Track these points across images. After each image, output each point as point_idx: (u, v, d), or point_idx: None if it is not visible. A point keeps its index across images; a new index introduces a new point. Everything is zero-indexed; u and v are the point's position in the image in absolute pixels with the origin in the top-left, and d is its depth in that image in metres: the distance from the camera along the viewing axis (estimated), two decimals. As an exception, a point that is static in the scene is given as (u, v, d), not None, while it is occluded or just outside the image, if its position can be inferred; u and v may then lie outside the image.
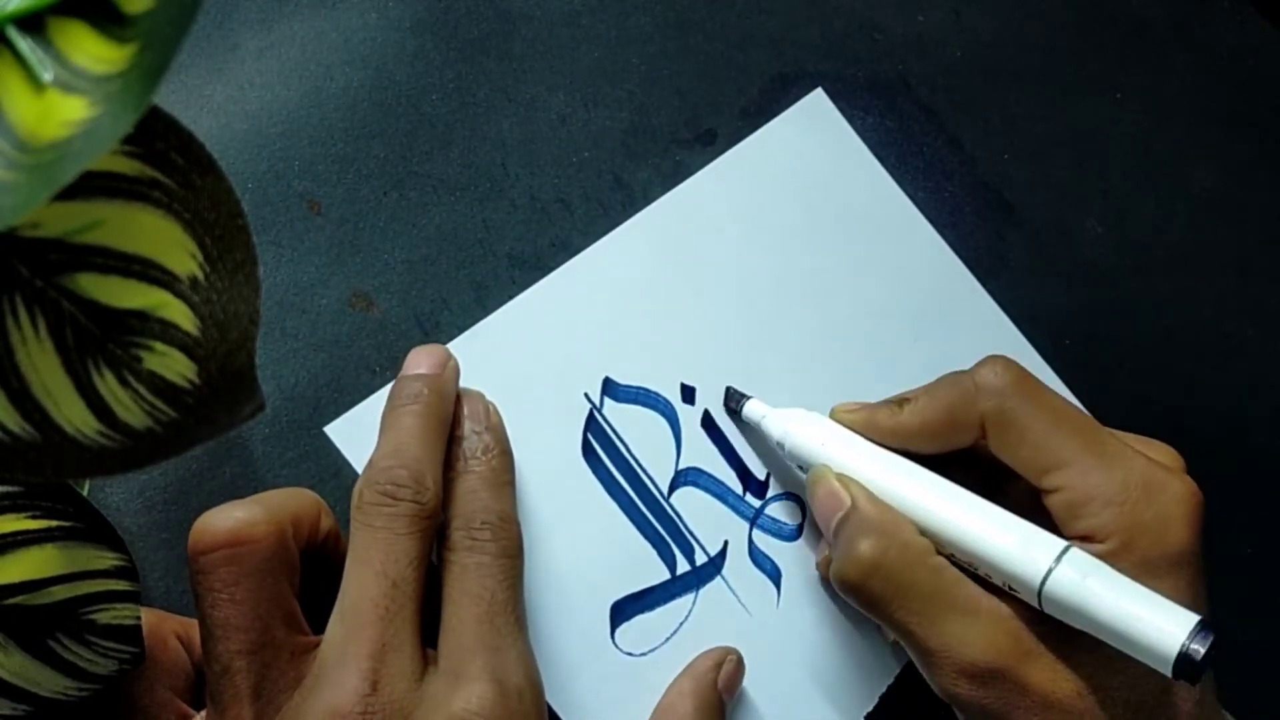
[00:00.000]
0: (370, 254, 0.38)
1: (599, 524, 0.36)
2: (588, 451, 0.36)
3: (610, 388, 0.37)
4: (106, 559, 0.28)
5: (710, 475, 0.38)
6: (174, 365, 0.22)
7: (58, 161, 0.18)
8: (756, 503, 0.38)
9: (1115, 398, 0.44)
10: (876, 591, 0.33)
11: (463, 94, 0.40)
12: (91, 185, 0.20)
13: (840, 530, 0.34)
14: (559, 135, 0.41)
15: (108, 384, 0.21)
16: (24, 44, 0.19)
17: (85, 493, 0.31)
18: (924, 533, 0.33)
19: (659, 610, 0.36)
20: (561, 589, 0.35)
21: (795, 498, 0.39)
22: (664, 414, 0.38)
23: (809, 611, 0.38)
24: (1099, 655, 0.31)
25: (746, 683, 0.36)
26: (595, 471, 0.36)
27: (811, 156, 0.43)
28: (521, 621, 0.30)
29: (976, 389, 0.34)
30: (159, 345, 0.21)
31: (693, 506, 0.37)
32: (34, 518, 0.27)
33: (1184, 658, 0.28)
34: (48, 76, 0.19)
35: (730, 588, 0.37)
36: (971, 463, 0.35)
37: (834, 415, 0.37)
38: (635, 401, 0.38)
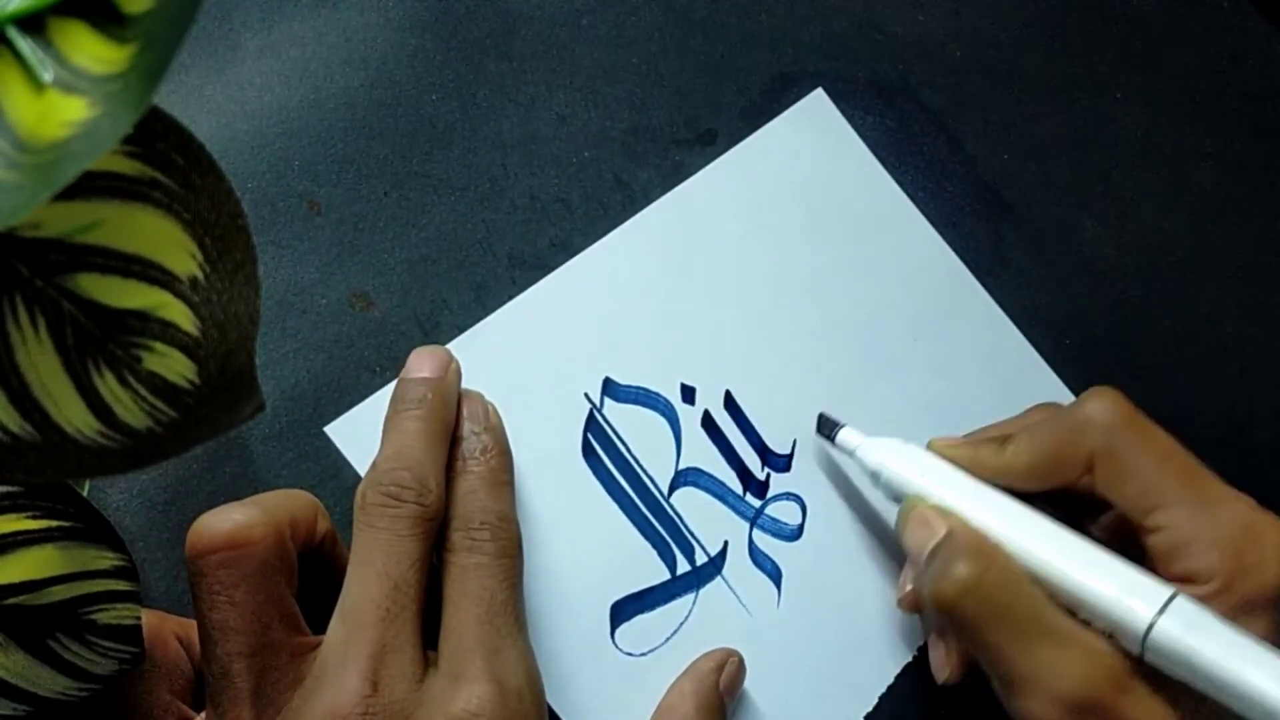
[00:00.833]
0: (370, 254, 0.38)
1: (599, 524, 0.36)
2: (588, 451, 0.36)
3: (610, 388, 0.37)
4: (106, 559, 0.28)
5: (710, 475, 0.38)
6: (174, 365, 0.22)
7: (58, 161, 0.18)
8: (757, 503, 0.38)
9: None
10: (971, 612, 0.32)
11: (463, 94, 0.40)
12: (91, 185, 0.20)
13: (935, 555, 0.33)
14: (559, 135, 0.41)
15: (108, 384, 0.21)
16: (24, 44, 0.19)
17: (85, 493, 0.31)
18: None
19: (659, 610, 0.36)
20: (562, 589, 0.35)
21: (796, 498, 0.39)
22: (664, 414, 0.38)
23: (809, 612, 0.38)
24: (1194, 693, 0.30)
25: (747, 683, 0.36)
26: (595, 471, 0.36)
27: (812, 157, 0.43)
28: (521, 622, 0.30)
29: (1085, 424, 0.34)
30: (159, 345, 0.21)
31: (693, 506, 0.37)
32: (34, 518, 0.27)
33: None
34: (48, 76, 0.19)
35: (730, 588, 0.37)
36: (1060, 493, 0.35)
37: (932, 447, 0.37)
38: (635, 401, 0.38)
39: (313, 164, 0.38)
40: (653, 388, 0.38)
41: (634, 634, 0.35)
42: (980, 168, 0.46)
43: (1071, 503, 0.35)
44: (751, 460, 0.39)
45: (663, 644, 0.36)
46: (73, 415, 0.21)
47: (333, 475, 0.35)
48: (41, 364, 0.20)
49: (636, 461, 0.37)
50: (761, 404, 0.39)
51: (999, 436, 0.36)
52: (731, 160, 0.41)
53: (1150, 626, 0.30)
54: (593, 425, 0.37)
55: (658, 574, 0.36)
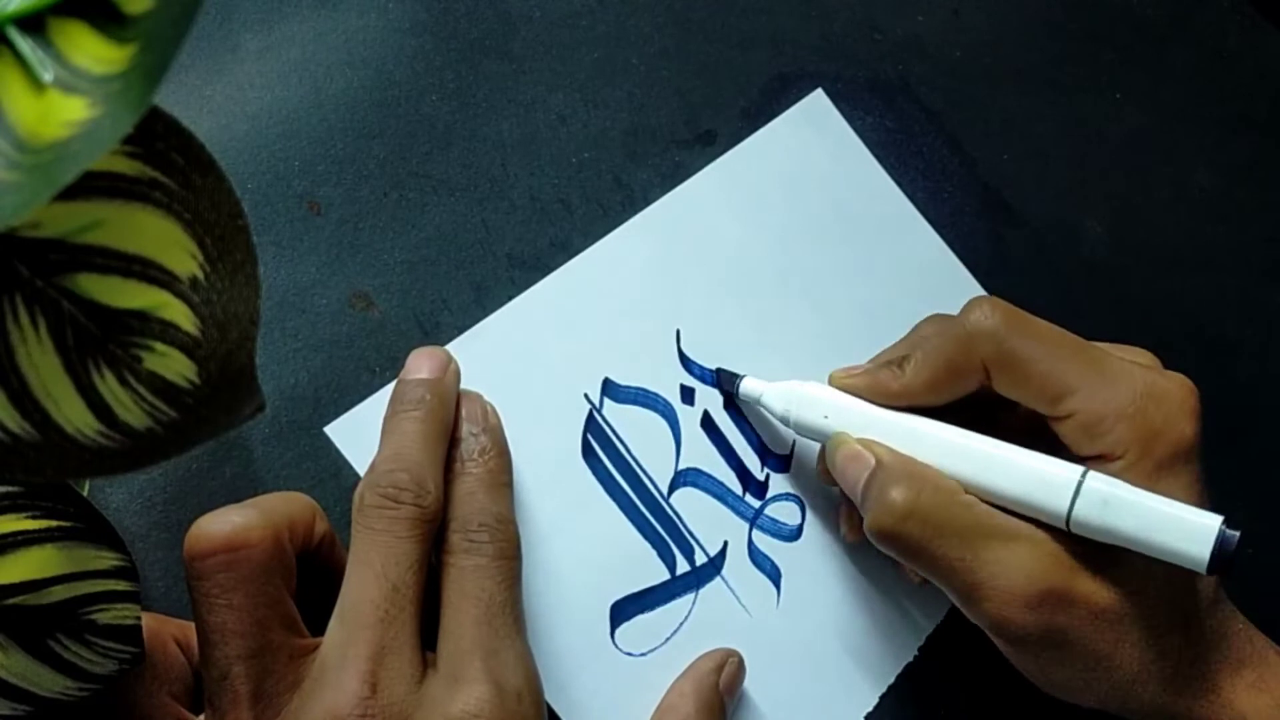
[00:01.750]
0: (370, 254, 0.38)
1: (599, 525, 0.36)
2: (587, 452, 0.36)
3: (610, 388, 0.37)
4: (106, 559, 0.28)
5: (710, 476, 0.38)
6: (174, 365, 0.22)
7: (58, 161, 0.18)
8: (756, 503, 0.38)
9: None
10: (915, 535, 0.33)
11: (463, 94, 0.40)
12: (91, 185, 0.20)
13: (869, 487, 0.34)
14: (559, 135, 0.41)
15: (108, 384, 0.21)
16: (24, 44, 0.19)
17: (85, 493, 0.31)
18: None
19: (659, 610, 0.36)
20: (561, 589, 0.35)
21: (795, 498, 0.39)
22: (663, 414, 0.38)
23: (809, 612, 0.38)
24: (1134, 561, 0.32)
25: (747, 683, 0.36)
26: (595, 472, 0.36)
27: (811, 157, 0.43)
28: (520, 623, 0.30)
29: (973, 335, 0.35)
30: (159, 345, 0.21)
31: (692, 507, 0.37)
32: (34, 518, 0.27)
33: (1216, 555, 0.30)
34: (48, 76, 0.19)
35: (730, 588, 0.37)
36: (963, 404, 0.36)
37: (832, 381, 0.37)
38: (635, 402, 0.38)
39: (313, 164, 0.38)
40: (652, 388, 0.38)
41: (634, 634, 0.35)
42: (980, 168, 0.46)
43: (980, 407, 0.36)
44: (751, 461, 0.39)
45: (662, 644, 0.36)
46: (73, 415, 0.21)
47: (333, 475, 0.35)
48: (41, 364, 0.20)
49: (636, 462, 0.37)
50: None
51: (895, 359, 0.36)
52: (731, 161, 0.41)
53: (1071, 506, 0.32)
54: (592, 426, 0.37)
55: (657, 574, 0.36)
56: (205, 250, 0.22)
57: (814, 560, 0.38)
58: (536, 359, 0.37)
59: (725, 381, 0.39)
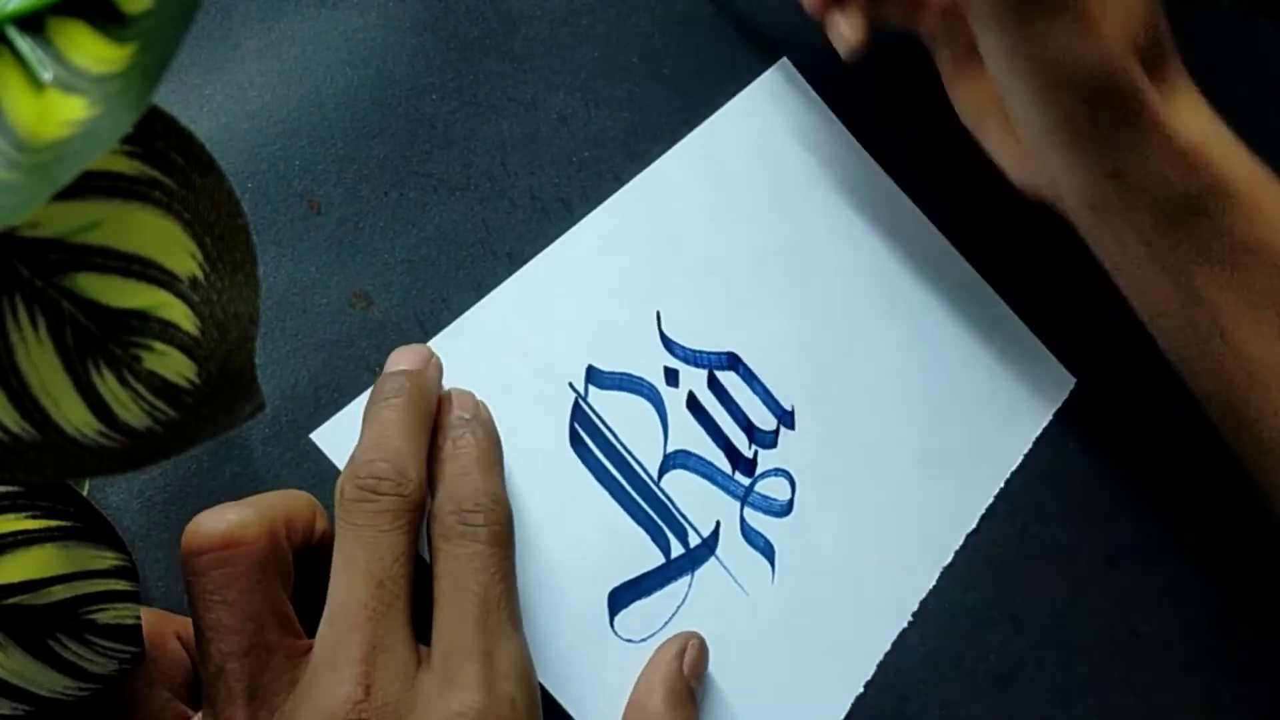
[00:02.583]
0: (370, 254, 0.38)
1: (591, 513, 0.36)
2: (575, 441, 0.36)
3: (594, 375, 0.37)
4: (106, 559, 0.28)
5: (699, 456, 0.38)
6: (174, 365, 0.22)
7: (58, 161, 0.18)
8: (746, 480, 0.38)
9: (1115, 397, 0.44)
10: None
11: (463, 94, 0.40)
12: (91, 185, 0.20)
13: None
14: (559, 135, 0.41)
15: (108, 384, 0.21)
16: (24, 44, 0.19)
17: (85, 493, 0.31)
18: None
19: (656, 595, 0.36)
20: (558, 581, 0.35)
21: (784, 473, 0.39)
22: (649, 398, 0.38)
23: (805, 586, 0.38)
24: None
25: (747, 659, 0.36)
26: (584, 461, 0.36)
27: (780, 128, 0.43)
28: (515, 618, 0.30)
29: None
30: (159, 345, 0.21)
31: (683, 489, 0.37)
32: (34, 518, 0.27)
33: None
34: (48, 76, 0.19)
35: (725, 568, 0.37)
36: None
37: None
38: (620, 388, 0.37)
39: (313, 164, 0.38)
40: (636, 373, 0.38)
41: (633, 620, 0.35)
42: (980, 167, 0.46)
43: None
44: (738, 438, 0.39)
45: (662, 628, 0.36)
46: (73, 415, 0.21)
47: (333, 475, 0.35)
48: (41, 364, 0.20)
49: (624, 447, 0.37)
50: (745, 381, 0.39)
51: None
52: (699, 137, 0.41)
53: None
54: (579, 414, 0.37)
55: (652, 559, 0.36)
56: (205, 250, 0.22)
57: (807, 534, 0.38)
58: (518, 352, 0.37)
59: None
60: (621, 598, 0.35)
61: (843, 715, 0.37)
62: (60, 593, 0.27)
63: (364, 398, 0.34)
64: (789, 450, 0.39)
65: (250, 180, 0.37)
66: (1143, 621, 0.41)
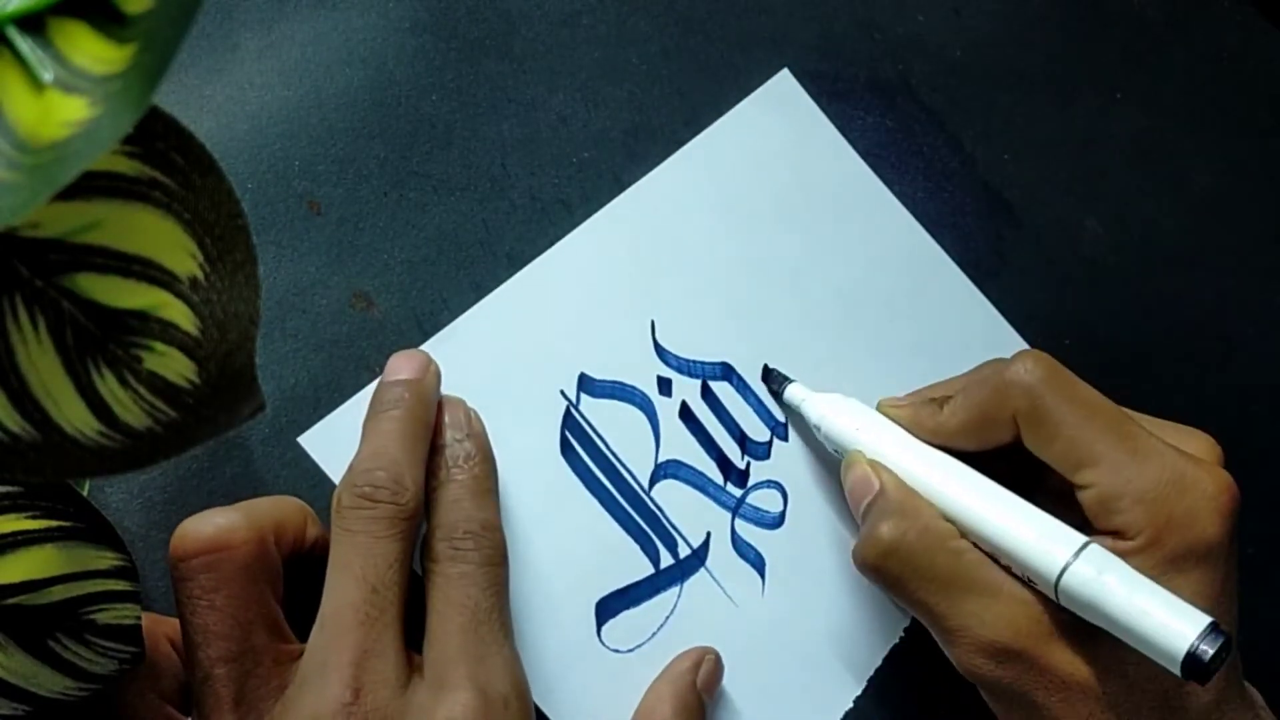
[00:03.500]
0: (370, 254, 0.38)
1: (581, 522, 0.36)
2: (566, 449, 0.36)
3: (586, 383, 0.37)
4: (106, 559, 0.28)
5: (690, 467, 0.38)
6: (174, 365, 0.22)
7: (58, 161, 0.18)
8: (738, 492, 0.38)
9: (1115, 397, 0.44)
10: (894, 572, 0.33)
11: (463, 94, 0.40)
12: (91, 185, 0.20)
13: (867, 513, 0.35)
14: (559, 135, 0.41)
15: (108, 384, 0.21)
16: (24, 44, 0.19)
17: (85, 493, 0.31)
18: (949, 520, 0.34)
19: (644, 605, 0.36)
20: (546, 589, 0.35)
21: (777, 485, 0.39)
22: (641, 407, 0.38)
23: (795, 598, 0.38)
24: (1121, 645, 0.31)
25: (737, 672, 0.36)
26: (575, 469, 0.36)
27: (779, 138, 0.43)
28: (507, 629, 0.30)
29: (1010, 385, 0.34)
30: (159, 345, 0.21)
31: (674, 499, 0.37)
32: (34, 518, 0.27)
33: (1192, 658, 0.28)
34: (48, 76, 0.19)
35: (715, 579, 0.37)
36: (1012, 458, 0.35)
37: (880, 408, 0.38)
38: (612, 396, 0.37)
39: (313, 164, 0.38)
40: (629, 381, 0.38)
41: (620, 630, 0.35)
42: (980, 168, 0.46)
43: (1028, 472, 0.35)
44: (731, 449, 0.38)
45: (649, 639, 0.35)
46: (73, 415, 0.21)
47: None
48: (41, 364, 0.20)
49: (615, 456, 0.37)
50: (739, 392, 0.39)
51: (940, 398, 0.36)
52: (697, 146, 0.41)
53: (1063, 570, 0.31)
54: (570, 422, 0.37)
55: (641, 569, 0.36)
56: (205, 250, 0.22)
57: (798, 547, 0.38)
58: (510, 358, 0.36)
59: (774, 381, 0.39)
60: (609, 607, 0.35)
61: None
62: (60, 593, 0.27)
63: (353, 402, 0.34)
64: (782, 462, 0.39)
65: (250, 180, 0.37)
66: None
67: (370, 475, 0.30)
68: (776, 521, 0.38)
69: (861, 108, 0.45)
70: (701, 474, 0.38)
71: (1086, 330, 0.45)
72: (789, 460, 0.39)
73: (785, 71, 0.44)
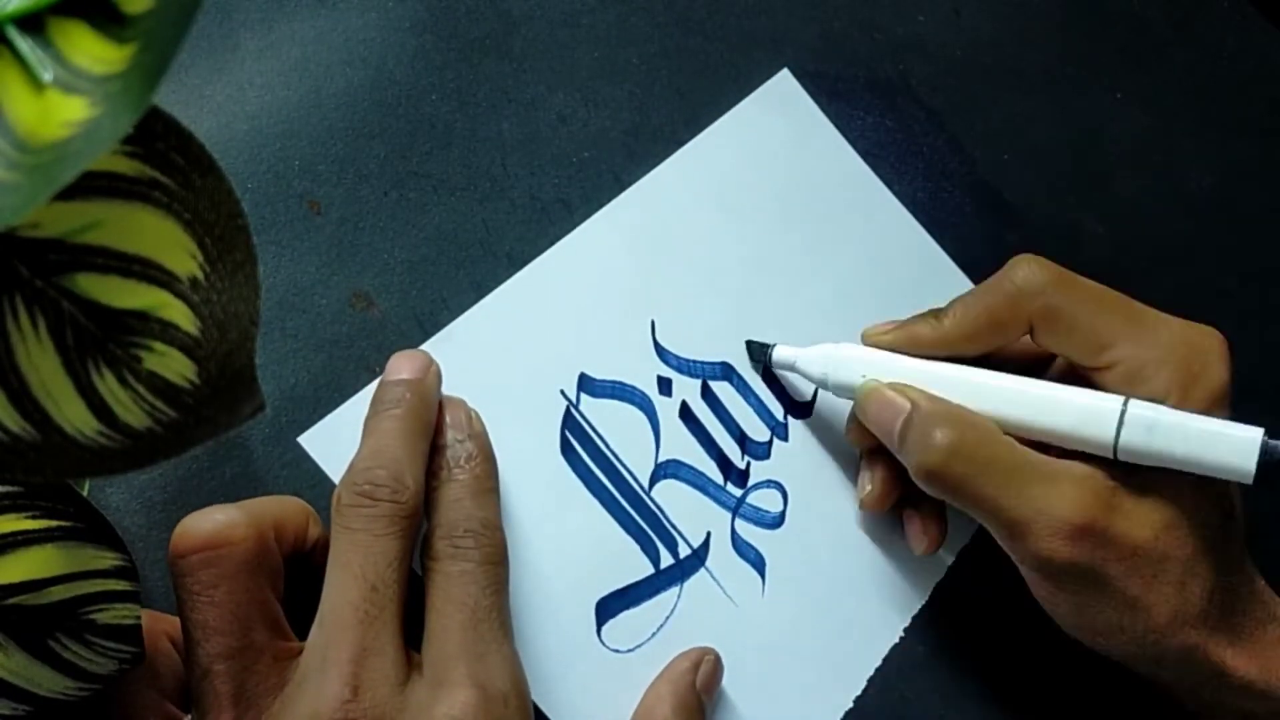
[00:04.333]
0: (370, 254, 0.38)
1: (581, 522, 0.36)
2: (566, 449, 0.36)
3: (586, 383, 0.37)
4: (106, 559, 0.28)
5: (690, 466, 0.38)
6: (174, 365, 0.22)
7: (58, 161, 0.18)
8: (738, 492, 0.38)
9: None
10: (959, 473, 0.34)
11: (463, 94, 0.40)
12: (91, 185, 0.20)
13: (906, 432, 0.35)
14: (559, 135, 0.41)
15: (108, 384, 0.21)
16: (24, 44, 0.19)
17: (85, 493, 0.31)
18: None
19: (644, 605, 0.36)
20: (546, 588, 0.35)
21: (777, 485, 0.39)
22: (641, 407, 0.38)
23: (795, 599, 0.38)
24: (1169, 498, 0.34)
25: (737, 673, 0.36)
26: (575, 469, 0.36)
27: (779, 138, 0.43)
28: (507, 628, 0.30)
29: (1020, 291, 0.36)
30: (159, 345, 0.21)
31: (674, 499, 0.37)
32: (34, 518, 0.27)
33: (1266, 457, 0.32)
34: (48, 76, 0.19)
35: (715, 579, 0.37)
36: (996, 363, 0.37)
37: (865, 338, 0.39)
38: (612, 396, 0.37)
39: (313, 164, 0.38)
40: (628, 381, 0.38)
41: (620, 630, 0.35)
42: (980, 168, 0.46)
43: (1013, 365, 0.37)
44: (731, 449, 0.38)
45: (649, 639, 0.35)
46: (73, 415, 0.21)
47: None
48: (41, 364, 0.20)
49: (615, 456, 0.37)
50: (739, 391, 0.39)
51: (932, 312, 0.38)
52: (697, 146, 0.41)
53: (1119, 430, 0.33)
54: (570, 422, 0.37)
55: (641, 569, 0.36)
56: (205, 250, 0.22)
57: (798, 546, 0.38)
58: (510, 358, 0.36)
59: (755, 353, 0.39)
60: (609, 607, 0.35)
61: None
62: (60, 593, 0.27)
63: (353, 401, 0.34)
64: (782, 462, 0.39)
65: (250, 180, 0.37)
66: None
67: (370, 473, 0.30)
68: (776, 521, 0.38)
69: (861, 108, 0.45)
70: (701, 474, 0.38)
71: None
72: (789, 460, 0.39)
73: (785, 71, 0.44)
